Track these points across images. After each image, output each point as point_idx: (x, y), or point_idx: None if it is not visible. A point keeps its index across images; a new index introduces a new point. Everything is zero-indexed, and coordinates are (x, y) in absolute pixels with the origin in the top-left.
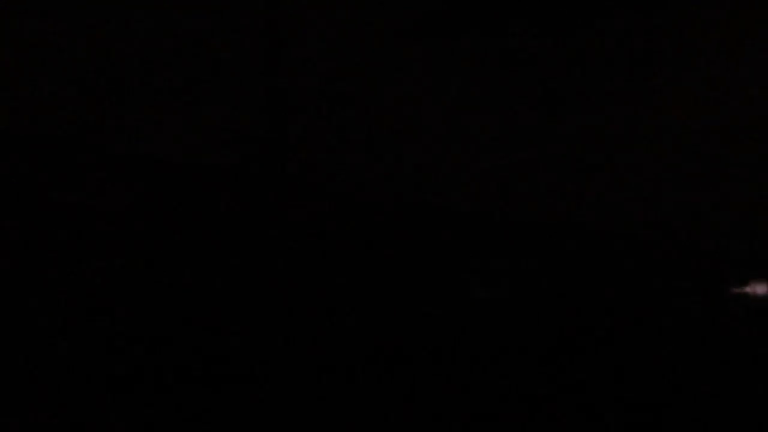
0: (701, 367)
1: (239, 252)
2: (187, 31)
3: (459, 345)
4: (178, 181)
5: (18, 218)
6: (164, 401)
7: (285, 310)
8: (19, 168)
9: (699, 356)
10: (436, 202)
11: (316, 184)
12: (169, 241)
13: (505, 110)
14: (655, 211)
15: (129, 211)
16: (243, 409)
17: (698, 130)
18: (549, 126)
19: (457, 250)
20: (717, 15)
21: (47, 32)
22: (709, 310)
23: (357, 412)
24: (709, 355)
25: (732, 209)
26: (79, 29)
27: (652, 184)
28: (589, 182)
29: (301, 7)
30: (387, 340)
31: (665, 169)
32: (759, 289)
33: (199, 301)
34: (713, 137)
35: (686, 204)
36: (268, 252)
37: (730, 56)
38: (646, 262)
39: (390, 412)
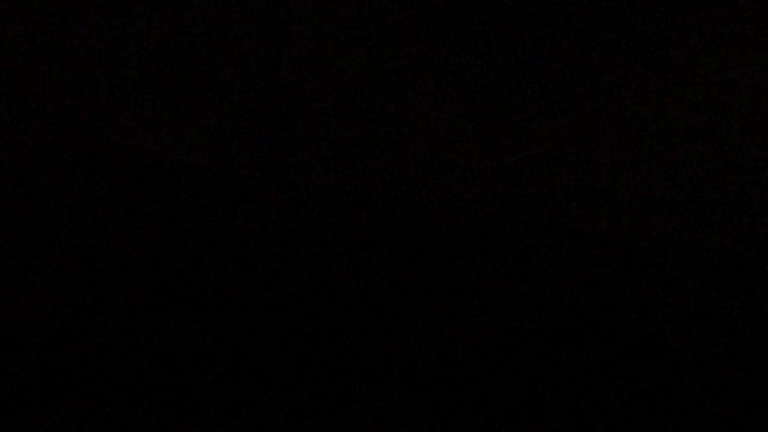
0: (700, 369)
1: (239, 253)
2: (188, 33)
3: (457, 347)
4: (178, 182)
5: (20, 220)
6: (164, 404)
7: (286, 311)
8: (21, 170)
9: (698, 358)
10: (436, 202)
11: (316, 184)
12: (168, 241)
13: (505, 110)
14: (655, 211)
15: (129, 212)
16: (242, 409)
17: (698, 130)
18: (549, 126)
19: (458, 250)
20: (722, 10)
21: (47, 35)
22: (708, 311)
23: (361, 415)
24: (709, 356)
25: (732, 209)
26: (79, 31)
27: (652, 184)
28: (589, 182)
29: (302, 8)
30: (384, 342)
31: (665, 169)
32: (758, 289)
33: (199, 302)
34: (713, 136)
35: (686, 204)
36: (268, 253)
37: (733, 54)
38: (646, 262)
39: (391, 416)
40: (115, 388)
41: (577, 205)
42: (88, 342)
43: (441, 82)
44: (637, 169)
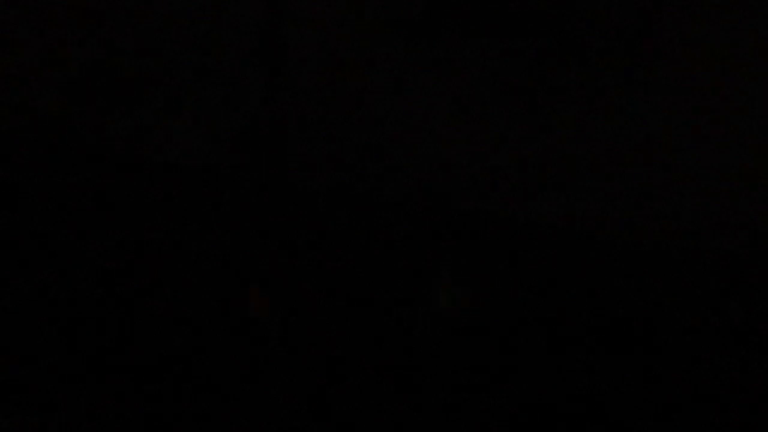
0: (700, 368)
1: (238, 252)
2: (188, 33)
3: (455, 346)
4: (178, 182)
5: (19, 218)
6: (163, 402)
7: (286, 309)
8: (20, 169)
9: (698, 357)
10: (436, 203)
11: (315, 184)
12: (168, 241)
13: (505, 111)
14: (654, 212)
15: (129, 212)
16: (236, 406)
17: (697, 129)
18: (549, 126)
19: (458, 250)
20: (716, 11)
21: (48, 35)
22: (707, 312)
23: (362, 414)
24: (709, 357)
25: (732, 209)
26: (80, 32)
27: (650, 184)
28: (588, 183)
29: (301, 8)
30: (381, 340)
31: (663, 170)
32: (757, 289)
33: (199, 301)
34: (712, 136)
35: (685, 204)
36: (267, 252)
37: (729, 56)
38: (644, 263)
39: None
40: (113, 388)
41: (574, 206)
42: (88, 341)
43: (440, 83)
44: (636, 170)
